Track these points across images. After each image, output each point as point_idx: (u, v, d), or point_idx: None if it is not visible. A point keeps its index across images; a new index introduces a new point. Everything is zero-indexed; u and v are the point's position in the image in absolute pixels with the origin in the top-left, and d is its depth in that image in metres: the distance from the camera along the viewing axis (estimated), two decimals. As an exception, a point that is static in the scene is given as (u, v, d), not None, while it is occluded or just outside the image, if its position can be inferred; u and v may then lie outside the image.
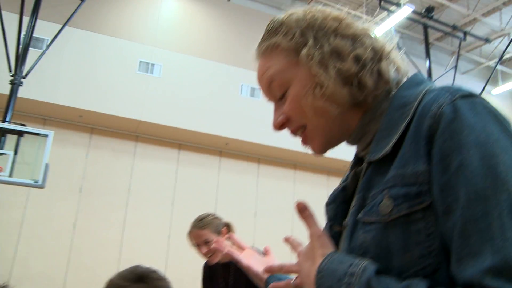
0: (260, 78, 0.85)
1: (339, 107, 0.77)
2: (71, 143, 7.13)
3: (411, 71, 0.82)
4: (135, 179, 7.45)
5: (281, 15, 0.84)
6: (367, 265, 0.63)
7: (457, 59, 9.79)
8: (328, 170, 8.91)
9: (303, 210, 0.76)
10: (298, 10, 0.83)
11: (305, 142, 0.84)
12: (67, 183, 6.94)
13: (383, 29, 7.88)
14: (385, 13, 8.61)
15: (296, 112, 0.80)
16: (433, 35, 10.32)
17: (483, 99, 0.66)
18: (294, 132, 0.84)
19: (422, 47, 9.81)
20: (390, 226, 0.65)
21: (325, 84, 0.75)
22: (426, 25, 9.41)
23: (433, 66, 9.29)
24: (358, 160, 0.84)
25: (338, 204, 0.84)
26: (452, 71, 9.42)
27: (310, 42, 0.78)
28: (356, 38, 0.79)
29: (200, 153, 8.07)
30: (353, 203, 0.75)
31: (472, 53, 11.23)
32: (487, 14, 9.81)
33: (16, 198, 6.50)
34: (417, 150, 0.65)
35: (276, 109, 0.85)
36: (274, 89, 0.83)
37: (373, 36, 0.81)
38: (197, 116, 7.39)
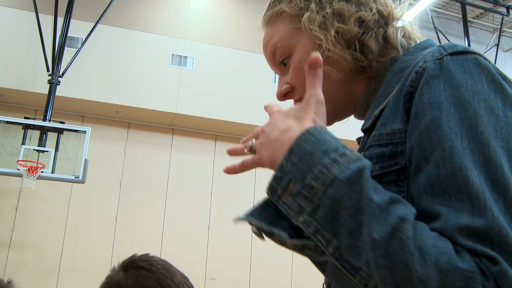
0: (265, 47, 0.82)
1: (341, 71, 0.74)
2: (109, 138, 7.29)
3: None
4: (173, 171, 7.55)
5: None
6: (363, 159, 0.55)
7: (499, 36, 9.36)
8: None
9: (317, 65, 0.63)
10: None
11: None
12: (107, 178, 7.10)
13: (418, 9, 7.61)
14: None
15: (299, 79, 0.77)
16: (471, 13, 9.90)
17: (480, 57, 0.59)
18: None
19: (460, 26, 9.42)
20: None
21: (324, 46, 0.72)
22: (464, 3, 9.03)
23: (473, 45, 8.92)
24: None
25: None
26: (494, 49, 9.02)
27: (312, 6, 0.75)
28: (361, 2, 0.75)
29: (236, 143, 7.98)
30: None
31: (515, 28, 10.72)
32: (530, -14, 9.33)
33: (60, 193, 6.71)
34: (396, 109, 0.61)
35: (281, 79, 0.82)
36: (278, 57, 0.80)
37: (382, 1, 0.77)
38: (231, 107, 7.39)
